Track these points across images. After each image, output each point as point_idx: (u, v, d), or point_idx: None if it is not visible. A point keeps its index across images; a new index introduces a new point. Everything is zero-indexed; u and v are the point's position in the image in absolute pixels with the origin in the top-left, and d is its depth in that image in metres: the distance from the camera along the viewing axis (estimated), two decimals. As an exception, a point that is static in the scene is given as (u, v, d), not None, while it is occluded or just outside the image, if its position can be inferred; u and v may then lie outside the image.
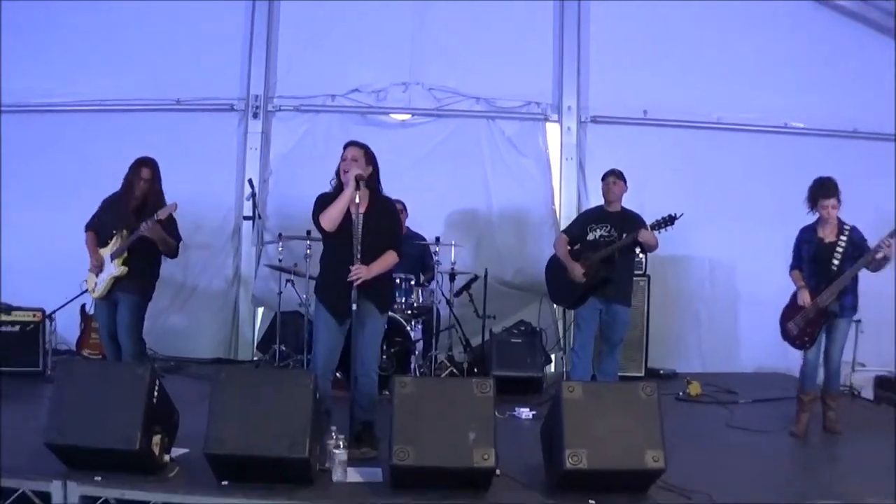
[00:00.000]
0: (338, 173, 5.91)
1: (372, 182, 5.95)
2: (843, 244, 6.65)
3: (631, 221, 7.36)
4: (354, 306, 5.71)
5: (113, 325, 6.92)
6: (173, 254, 7.06)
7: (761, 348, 9.14)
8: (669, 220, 7.17)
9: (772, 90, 9.96)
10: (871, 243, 6.59)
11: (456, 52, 9.97)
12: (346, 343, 5.95)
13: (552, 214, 9.97)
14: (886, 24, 10.01)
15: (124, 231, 6.79)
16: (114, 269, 6.78)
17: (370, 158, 5.96)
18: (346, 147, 5.97)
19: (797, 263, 6.96)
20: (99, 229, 6.96)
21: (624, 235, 7.23)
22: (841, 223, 6.75)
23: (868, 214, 6.88)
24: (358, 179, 5.72)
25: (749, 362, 9.87)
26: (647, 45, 9.91)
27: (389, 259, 5.93)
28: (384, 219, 5.97)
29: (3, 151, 9.56)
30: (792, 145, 10.04)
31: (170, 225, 6.93)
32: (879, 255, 6.43)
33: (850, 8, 10.01)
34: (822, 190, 6.70)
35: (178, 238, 7.04)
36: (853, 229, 6.72)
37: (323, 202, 5.88)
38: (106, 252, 6.84)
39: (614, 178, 7.48)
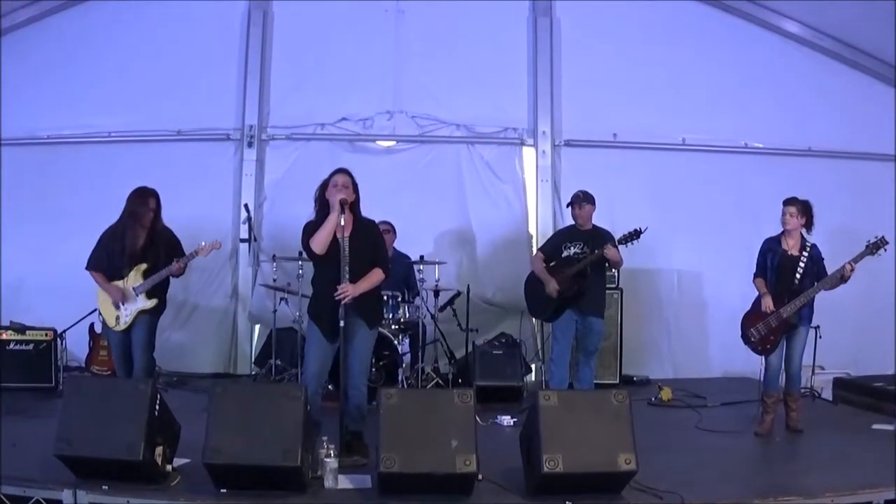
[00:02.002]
0: (317, 199, 5.93)
1: (354, 207, 5.95)
2: (805, 259, 6.74)
3: (601, 238, 7.41)
4: (342, 323, 5.69)
5: (127, 344, 6.84)
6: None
7: (728, 354, 9.11)
8: (636, 234, 7.27)
9: (732, 113, 10.02)
10: (827, 259, 6.76)
11: (437, 82, 9.98)
12: (337, 357, 5.90)
13: (528, 234, 9.97)
14: (836, 50, 10.10)
15: (143, 265, 6.75)
16: (145, 303, 6.74)
17: (355, 185, 5.96)
18: (335, 174, 5.94)
19: (760, 272, 7.00)
20: (107, 265, 6.81)
21: (595, 251, 7.26)
22: (803, 239, 6.84)
23: (821, 227, 6.89)
24: (342, 204, 5.71)
25: (717, 367, 9.87)
26: (615, 73, 9.93)
27: (376, 276, 5.92)
28: (367, 239, 5.95)
29: (17, 182, 9.57)
30: (752, 164, 10.10)
31: (178, 250, 6.93)
32: (845, 276, 6.50)
33: (803, 36, 10.09)
34: (786, 199, 6.84)
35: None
36: (813, 246, 6.82)
37: (309, 230, 5.89)
38: (128, 285, 6.74)
39: (580, 203, 7.54)
